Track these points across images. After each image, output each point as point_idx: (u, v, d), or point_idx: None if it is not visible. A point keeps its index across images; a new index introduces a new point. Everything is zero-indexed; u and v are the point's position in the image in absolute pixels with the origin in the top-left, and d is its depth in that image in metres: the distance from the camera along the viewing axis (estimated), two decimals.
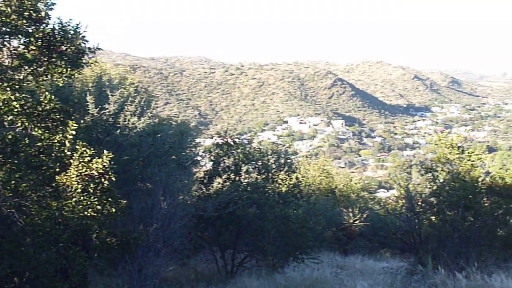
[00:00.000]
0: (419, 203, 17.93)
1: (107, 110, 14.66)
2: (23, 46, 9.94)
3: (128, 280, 13.03)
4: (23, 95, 9.60)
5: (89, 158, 10.28)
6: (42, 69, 10.13)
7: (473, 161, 17.64)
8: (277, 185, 18.38)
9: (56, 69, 10.16)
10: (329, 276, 16.05)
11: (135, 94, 16.51)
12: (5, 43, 9.80)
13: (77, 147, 10.36)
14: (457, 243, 16.07)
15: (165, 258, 13.54)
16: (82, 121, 12.91)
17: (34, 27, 9.86)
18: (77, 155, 10.30)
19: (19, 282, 10.09)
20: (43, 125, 9.91)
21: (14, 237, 9.84)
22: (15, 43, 9.92)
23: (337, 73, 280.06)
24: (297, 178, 19.52)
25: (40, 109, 9.76)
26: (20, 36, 9.84)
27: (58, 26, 10.05)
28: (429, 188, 17.97)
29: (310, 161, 40.31)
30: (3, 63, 9.80)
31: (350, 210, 28.49)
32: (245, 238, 17.71)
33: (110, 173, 10.44)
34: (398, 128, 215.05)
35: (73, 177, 10.18)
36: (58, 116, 9.99)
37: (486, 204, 16.98)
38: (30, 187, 9.78)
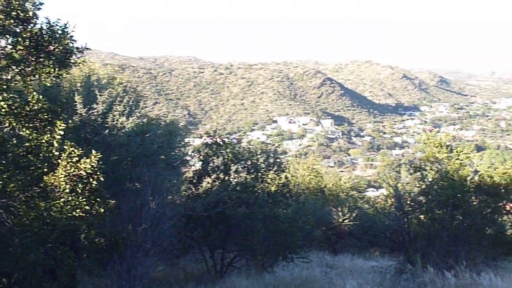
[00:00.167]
0: (408, 202, 17.96)
1: (95, 110, 14.62)
2: (10, 46, 9.90)
3: (117, 280, 12.98)
4: (11, 95, 9.57)
5: (77, 158, 10.24)
6: (30, 69, 10.09)
7: (461, 160, 17.69)
8: (267, 184, 18.38)
9: (44, 69, 10.13)
10: (318, 275, 16.07)
11: (124, 94, 16.48)
12: None
13: (65, 147, 10.31)
14: (446, 242, 16.12)
15: (154, 258, 13.50)
16: (70, 121, 12.87)
17: (21, 27, 9.83)
18: (65, 155, 10.26)
19: (7, 283, 10.05)
20: (31, 125, 9.88)
21: (2, 238, 9.79)
22: (2, 43, 9.89)
23: (326, 73, 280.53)
24: (286, 177, 19.53)
25: (28, 109, 9.73)
26: (7, 36, 9.81)
27: (46, 26, 10.02)
28: (418, 187, 18.00)
29: (300, 160, 40.39)
30: None
31: (340, 209, 28.54)
32: (234, 237, 17.69)
33: (98, 173, 10.40)
34: (387, 127, 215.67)
35: (61, 177, 10.14)
36: (46, 116, 9.95)
37: (474, 203, 17.03)
38: (18, 188, 9.73)
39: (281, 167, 19.65)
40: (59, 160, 10.30)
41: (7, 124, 9.48)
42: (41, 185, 10.15)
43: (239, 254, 18.12)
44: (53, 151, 10.29)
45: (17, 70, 10.01)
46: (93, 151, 10.44)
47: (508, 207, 18.30)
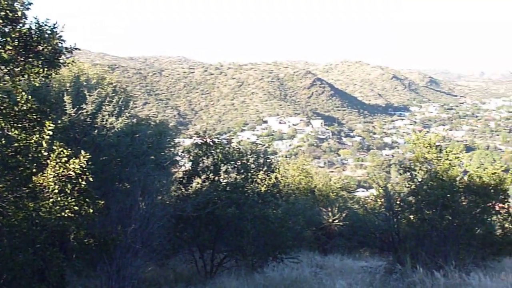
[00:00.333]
0: (398, 202, 17.99)
1: (84, 110, 14.58)
2: None
3: (106, 281, 12.94)
4: (0, 95, 9.52)
5: (66, 159, 10.22)
6: (18, 69, 10.04)
7: (451, 160, 17.77)
8: (256, 185, 18.37)
9: (32, 69, 10.09)
10: (308, 276, 16.08)
11: (113, 94, 16.46)
12: None
13: (54, 147, 10.29)
14: (436, 242, 16.16)
15: (143, 258, 13.47)
16: (59, 121, 12.83)
17: (10, 27, 9.78)
18: (54, 156, 10.23)
19: None
20: (19, 125, 9.85)
21: None
22: None
23: (316, 73, 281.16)
24: (276, 178, 19.52)
25: (17, 109, 9.70)
26: None
27: (35, 26, 9.98)
28: (408, 187, 18.04)
29: (290, 160, 40.40)
30: None
31: (329, 209, 28.56)
32: (224, 238, 17.68)
33: (87, 174, 10.38)
34: (377, 128, 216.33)
35: (50, 178, 10.11)
36: (35, 117, 9.92)
37: (464, 203, 17.10)
38: (7, 188, 9.70)
39: (271, 168, 19.65)
40: (48, 161, 10.27)
41: None
42: (30, 185, 10.11)
43: (229, 254, 18.11)
44: (42, 151, 10.26)
45: (6, 70, 9.97)
46: (82, 152, 10.42)
47: (497, 207, 18.39)
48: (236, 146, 20.30)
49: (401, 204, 17.83)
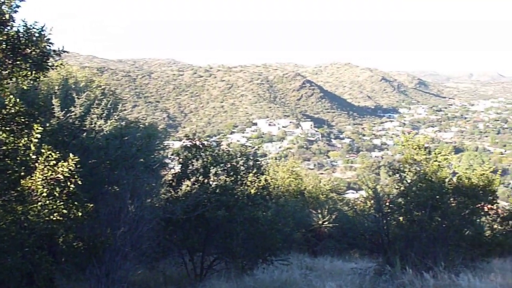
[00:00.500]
0: (387, 203, 18.02)
1: (73, 113, 14.52)
2: None
3: (95, 284, 12.90)
4: None
5: (54, 162, 10.19)
6: (6, 72, 10.00)
7: (440, 161, 17.83)
8: (246, 187, 18.34)
9: (20, 72, 10.04)
10: (298, 278, 16.08)
11: (102, 97, 16.39)
12: None
13: (43, 150, 10.26)
14: (425, 243, 16.21)
15: (133, 261, 13.45)
16: (47, 124, 12.77)
17: None
18: (43, 159, 10.20)
19: None
20: (8, 128, 9.81)
21: None
22: None
23: (305, 75, 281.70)
24: (266, 180, 19.49)
25: (5, 112, 9.66)
26: None
27: (23, 28, 9.94)
28: (397, 188, 18.07)
29: (279, 163, 40.38)
30: None
31: (319, 211, 28.61)
32: (214, 240, 17.66)
33: (76, 177, 10.35)
34: (366, 130, 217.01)
35: (38, 181, 10.08)
36: (23, 120, 9.89)
37: (453, 204, 17.15)
38: None
39: (261, 170, 19.63)
40: (36, 164, 10.24)
41: None
42: (18, 189, 10.08)
43: (219, 257, 18.09)
44: (30, 154, 10.23)
45: None
46: (71, 155, 10.39)
47: (486, 208, 18.50)
48: (226, 148, 20.26)
49: (391, 205, 17.86)
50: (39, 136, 10.03)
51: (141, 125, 19.17)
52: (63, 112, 14.28)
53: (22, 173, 10.19)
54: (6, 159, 9.95)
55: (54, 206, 10.05)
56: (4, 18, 9.68)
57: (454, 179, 18.10)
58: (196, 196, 16.68)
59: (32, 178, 10.14)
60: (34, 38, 9.99)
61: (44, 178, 10.10)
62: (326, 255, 25.33)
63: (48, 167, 10.14)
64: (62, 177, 10.19)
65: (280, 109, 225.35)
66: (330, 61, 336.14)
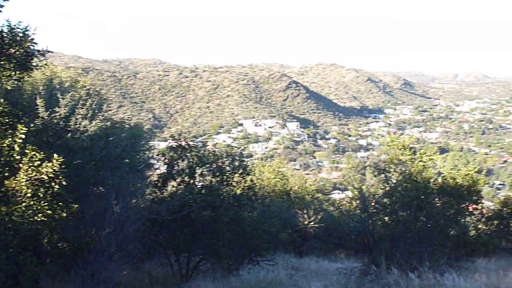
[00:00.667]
0: (373, 204, 18.09)
1: (57, 114, 14.43)
2: None
3: (80, 285, 12.83)
4: None
5: (39, 162, 10.13)
6: None
7: (425, 162, 17.92)
8: (232, 187, 18.33)
9: (4, 72, 10.00)
10: (284, 278, 16.08)
11: (87, 97, 16.29)
12: None
13: (27, 151, 10.20)
14: (410, 243, 16.26)
15: (118, 262, 13.39)
16: (32, 125, 12.70)
17: None
18: (27, 159, 10.14)
19: None
20: None
21: None
22: None
23: (291, 76, 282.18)
24: (252, 180, 19.49)
25: None
26: None
27: (7, 28, 9.88)
28: (382, 189, 18.14)
29: (265, 163, 40.40)
30: None
31: (305, 211, 28.64)
32: (200, 241, 17.62)
33: (60, 177, 10.30)
34: (352, 130, 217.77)
35: (22, 182, 10.02)
36: (7, 120, 9.84)
37: (438, 204, 17.24)
38: None
39: (247, 170, 19.62)
40: (21, 164, 10.18)
41: None
42: (2, 189, 10.02)
43: (205, 257, 18.05)
44: (14, 155, 10.17)
45: None
46: (55, 155, 10.33)
47: (471, 208, 18.62)
48: (212, 149, 20.24)
49: (376, 206, 17.93)
50: (23, 136, 9.98)
51: (126, 126, 19.12)
52: (48, 112, 14.19)
53: (6, 174, 10.14)
54: None
55: (39, 207, 10.00)
56: None
57: (439, 179, 18.21)
58: (181, 197, 16.65)
59: (16, 178, 10.08)
60: (18, 38, 9.95)
61: (29, 178, 10.05)
62: (312, 255, 25.34)
63: (32, 167, 10.09)
64: (46, 177, 10.13)
65: (266, 109, 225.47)
66: (316, 62, 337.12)
